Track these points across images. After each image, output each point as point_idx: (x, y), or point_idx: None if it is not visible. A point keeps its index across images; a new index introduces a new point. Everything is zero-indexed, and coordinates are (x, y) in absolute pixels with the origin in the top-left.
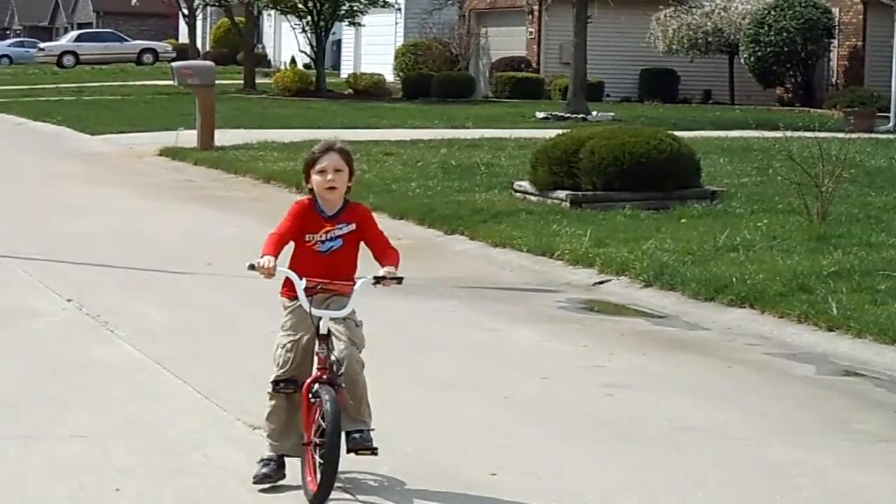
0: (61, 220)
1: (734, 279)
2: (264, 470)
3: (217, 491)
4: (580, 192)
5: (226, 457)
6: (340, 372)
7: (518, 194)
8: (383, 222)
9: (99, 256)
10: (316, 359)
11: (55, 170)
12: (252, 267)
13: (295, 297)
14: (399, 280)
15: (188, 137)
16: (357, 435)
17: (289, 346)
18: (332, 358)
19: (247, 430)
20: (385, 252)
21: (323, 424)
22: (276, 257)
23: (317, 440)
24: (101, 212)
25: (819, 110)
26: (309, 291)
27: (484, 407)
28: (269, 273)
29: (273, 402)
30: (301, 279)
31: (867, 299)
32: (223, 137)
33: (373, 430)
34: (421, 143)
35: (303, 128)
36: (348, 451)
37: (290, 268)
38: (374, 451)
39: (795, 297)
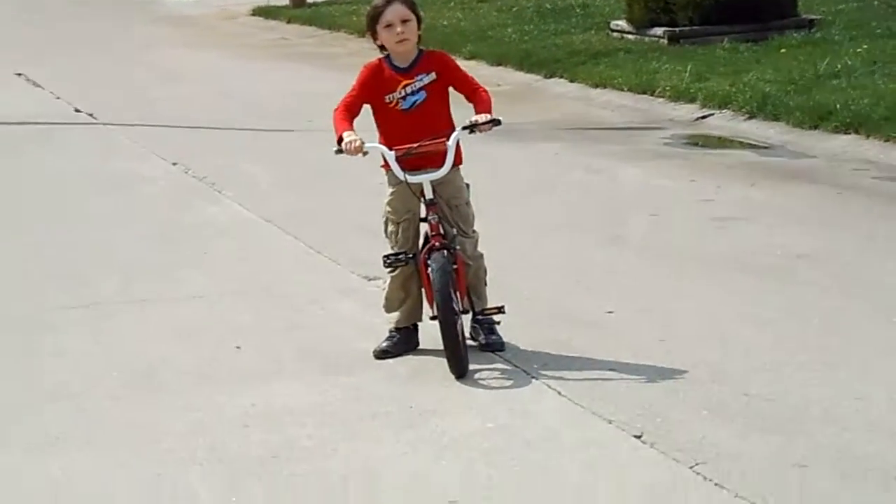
0: (159, 86)
1: (837, 106)
2: (384, 344)
3: (336, 343)
4: (677, 28)
5: (343, 309)
6: (454, 234)
7: (615, 34)
8: (481, 69)
9: (199, 119)
10: (427, 226)
11: (148, 35)
12: (339, 151)
13: (392, 170)
14: (496, 122)
15: None
16: (485, 328)
17: (394, 226)
18: (443, 225)
19: (362, 283)
20: (475, 93)
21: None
22: (352, 129)
23: (435, 313)
24: (197, 75)
25: None
26: (403, 160)
27: (595, 246)
28: (358, 151)
29: (389, 274)
30: (391, 150)
31: None
32: None
33: (498, 323)
34: None
35: None
36: (480, 347)
37: (381, 138)
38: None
39: None
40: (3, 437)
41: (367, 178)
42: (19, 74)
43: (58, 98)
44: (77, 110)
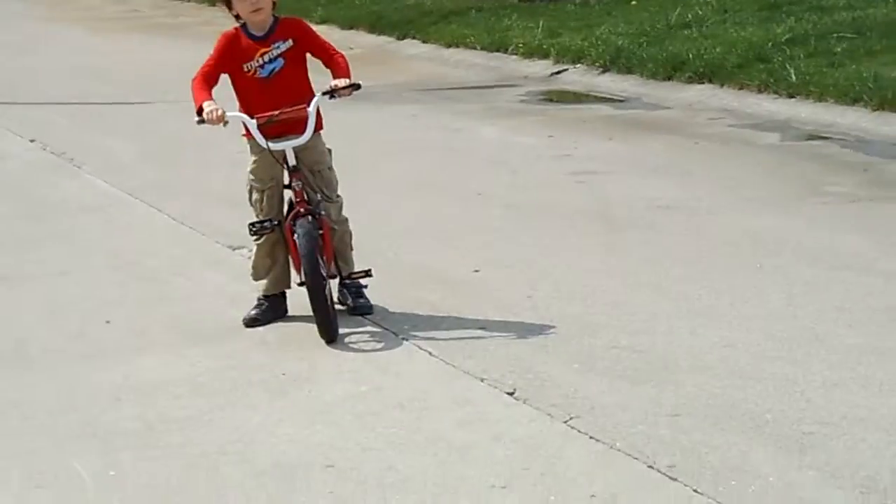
0: (12, 60)
1: (691, 56)
2: (253, 312)
3: (205, 313)
4: None
5: (210, 279)
6: (318, 199)
7: None
8: (333, 33)
9: (54, 94)
10: (292, 192)
11: None
12: (201, 121)
13: (254, 138)
14: (356, 86)
15: None
16: (352, 292)
17: (258, 194)
18: (307, 191)
19: (227, 252)
20: (332, 59)
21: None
22: (211, 98)
23: (302, 279)
24: (50, 50)
25: None
26: (265, 128)
27: (458, 205)
28: (220, 120)
29: (255, 242)
30: (252, 118)
31: (824, 63)
32: None
33: (366, 286)
34: None
35: None
36: (349, 311)
37: (241, 106)
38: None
39: (753, 67)
40: None
41: (227, 147)
42: None
43: None
44: None
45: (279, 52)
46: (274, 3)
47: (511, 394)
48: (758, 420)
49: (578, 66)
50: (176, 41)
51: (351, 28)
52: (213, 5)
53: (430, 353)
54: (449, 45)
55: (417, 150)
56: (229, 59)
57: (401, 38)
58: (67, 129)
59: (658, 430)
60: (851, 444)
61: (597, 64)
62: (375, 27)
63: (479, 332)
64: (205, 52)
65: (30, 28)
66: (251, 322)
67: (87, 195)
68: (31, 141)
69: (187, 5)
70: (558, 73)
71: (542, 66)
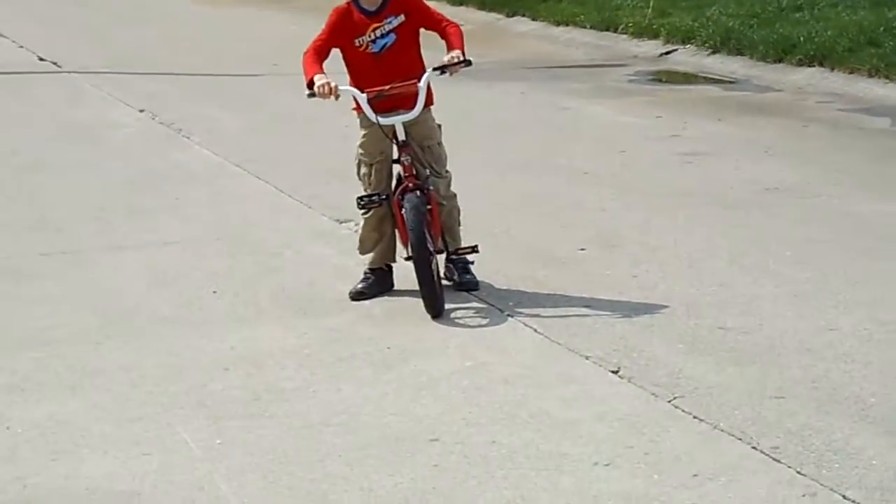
0: (122, 32)
1: (801, 38)
2: (360, 286)
3: (312, 286)
4: None
5: (316, 252)
6: (427, 174)
7: None
8: (443, 9)
9: (164, 65)
10: (400, 167)
11: None
12: (312, 95)
13: (364, 113)
14: (467, 62)
15: None
16: (459, 268)
17: (367, 168)
18: (416, 166)
19: (334, 225)
20: (446, 31)
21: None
22: (323, 72)
23: (409, 253)
24: (159, 21)
25: None
26: (375, 103)
27: (566, 184)
28: (331, 94)
29: (363, 216)
30: (363, 92)
31: None
32: None
33: (472, 262)
34: None
35: None
36: (455, 286)
37: (352, 81)
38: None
39: (864, 51)
40: None
41: (334, 121)
42: None
43: (21, 47)
44: (41, 59)
45: (391, 27)
46: None
47: (615, 372)
48: (862, 404)
49: (688, 46)
50: (287, 14)
51: (461, 4)
52: None
53: (535, 330)
54: (558, 23)
55: (526, 127)
56: (341, 33)
57: (510, 15)
58: (177, 100)
59: (762, 411)
60: None
61: (707, 45)
62: (485, 4)
63: (585, 311)
64: (315, 25)
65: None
66: (357, 295)
67: (195, 166)
68: (141, 111)
69: None
70: (668, 53)
71: (651, 46)
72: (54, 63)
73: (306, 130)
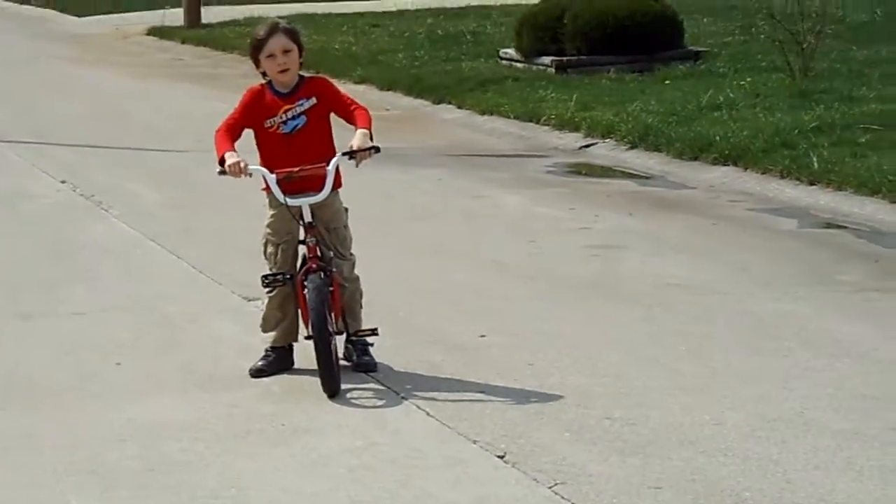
0: (51, 103)
1: (718, 138)
2: (260, 363)
3: (214, 361)
4: (565, 58)
5: (222, 328)
6: (331, 256)
7: (504, 62)
8: (371, 94)
9: (90, 138)
10: (305, 248)
11: (41, 52)
12: (223, 172)
13: (273, 193)
14: (375, 149)
15: (175, 16)
16: (358, 349)
17: (273, 247)
18: (321, 247)
19: (242, 303)
20: (354, 113)
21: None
22: (234, 149)
23: (310, 332)
24: (90, 93)
25: None
26: (283, 183)
27: (473, 271)
28: (241, 173)
29: (267, 294)
30: (272, 172)
31: (847, 152)
32: (210, 14)
33: (371, 344)
34: (407, 14)
35: (292, 1)
36: (353, 367)
37: (262, 161)
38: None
39: (778, 152)
40: None
41: (252, 199)
42: None
43: None
44: None
45: (302, 109)
46: (300, 64)
47: (501, 457)
48: (737, 498)
49: (608, 140)
50: (214, 91)
51: (389, 89)
52: None
53: (427, 413)
54: (483, 112)
55: (439, 214)
56: (253, 113)
57: (437, 102)
58: (99, 172)
59: (639, 500)
60: None
61: (626, 140)
62: (413, 90)
63: (478, 396)
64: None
65: (72, 71)
66: (257, 373)
67: (111, 238)
68: (63, 182)
69: (229, 56)
70: (587, 146)
71: (572, 139)
72: None
73: (224, 207)
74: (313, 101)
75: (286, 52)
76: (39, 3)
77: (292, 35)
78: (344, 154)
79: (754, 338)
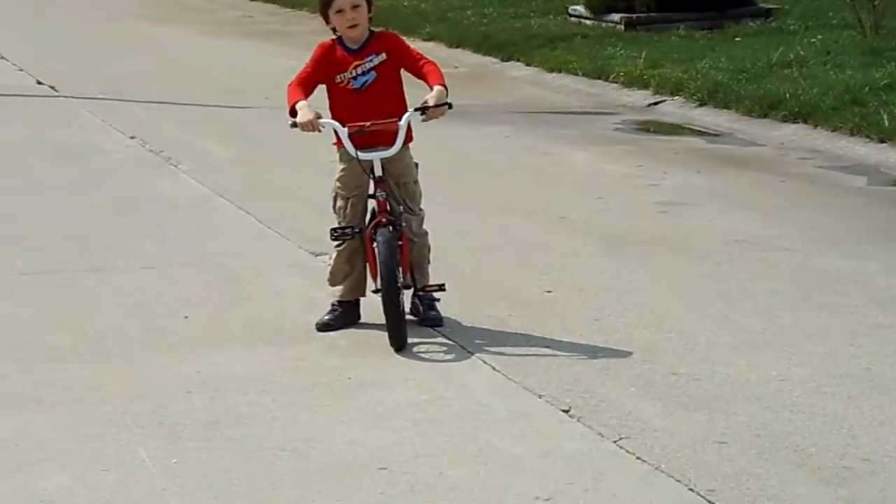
0: (121, 60)
1: (787, 95)
2: (327, 317)
3: (281, 315)
4: (634, 15)
5: (289, 283)
6: (401, 211)
7: (573, 19)
8: (439, 51)
9: (160, 94)
10: (375, 202)
11: (112, 9)
12: (294, 125)
13: (344, 147)
14: (448, 105)
15: None
16: (425, 304)
17: (343, 201)
18: (391, 202)
19: (309, 257)
20: (424, 68)
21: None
22: (305, 99)
23: (379, 286)
24: (160, 50)
25: None
26: (355, 138)
27: (539, 227)
28: (312, 127)
29: (336, 248)
30: (344, 126)
31: None
32: None
33: (438, 300)
34: None
35: None
36: (419, 322)
37: (333, 116)
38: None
39: (848, 110)
40: None
41: (320, 155)
42: None
43: (20, 70)
44: (39, 82)
45: (372, 65)
46: (370, 18)
47: (566, 411)
48: (802, 453)
49: (677, 97)
50: (283, 48)
51: (457, 47)
52: None
53: (493, 368)
54: (552, 70)
55: (506, 170)
56: (324, 68)
57: (505, 59)
58: (168, 128)
59: (704, 455)
60: (891, 481)
61: (695, 97)
62: (481, 47)
63: (544, 351)
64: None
65: (142, 27)
66: (324, 327)
67: (179, 193)
68: (132, 138)
69: (299, 14)
70: (656, 103)
71: (640, 96)
72: (52, 87)
73: (292, 163)
74: (383, 56)
75: (355, 7)
76: None
77: None
78: (416, 110)
79: (822, 294)
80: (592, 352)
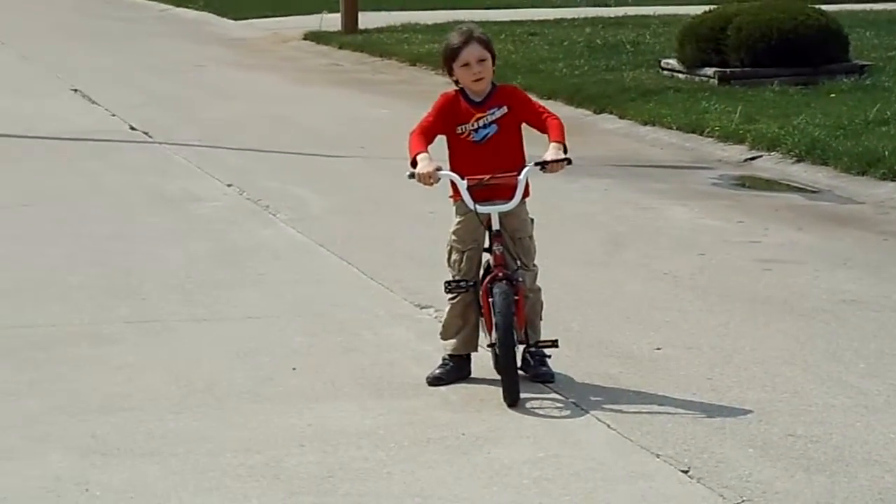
0: (214, 106)
1: (886, 153)
2: (437, 371)
3: (390, 368)
4: (728, 69)
5: (396, 335)
6: (516, 266)
7: (665, 72)
8: None
9: (254, 141)
10: (491, 257)
11: (202, 55)
12: (412, 175)
13: (462, 200)
14: (567, 161)
15: (332, 21)
16: (536, 360)
17: (458, 254)
18: (506, 256)
19: (414, 310)
20: (546, 122)
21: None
22: (427, 151)
23: (494, 340)
24: (251, 97)
25: None
26: (473, 191)
27: (644, 282)
28: (431, 179)
29: (449, 301)
30: (463, 179)
31: None
32: (366, 20)
33: (549, 357)
34: (564, 23)
35: (445, 8)
36: (530, 378)
37: (452, 167)
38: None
39: None
40: (66, 444)
41: (419, 207)
42: (75, 90)
43: (113, 115)
44: (132, 128)
45: (494, 118)
46: (493, 71)
47: (686, 472)
48: None
49: (773, 153)
50: (375, 97)
51: (549, 98)
52: (413, 65)
53: (608, 426)
54: (645, 123)
55: (607, 223)
56: (447, 119)
57: (598, 112)
58: (264, 176)
59: None
60: None
61: (792, 153)
62: (573, 99)
63: (658, 409)
64: (405, 109)
65: (233, 74)
66: (435, 381)
67: (279, 243)
68: (229, 185)
69: (388, 63)
70: (752, 159)
71: (736, 151)
72: (145, 133)
73: (391, 214)
74: (505, 109)
75: (481, 61)
76: (198, 6)
77: (486, 44)
78: (536, 164)
79: None
80: (707, 411)
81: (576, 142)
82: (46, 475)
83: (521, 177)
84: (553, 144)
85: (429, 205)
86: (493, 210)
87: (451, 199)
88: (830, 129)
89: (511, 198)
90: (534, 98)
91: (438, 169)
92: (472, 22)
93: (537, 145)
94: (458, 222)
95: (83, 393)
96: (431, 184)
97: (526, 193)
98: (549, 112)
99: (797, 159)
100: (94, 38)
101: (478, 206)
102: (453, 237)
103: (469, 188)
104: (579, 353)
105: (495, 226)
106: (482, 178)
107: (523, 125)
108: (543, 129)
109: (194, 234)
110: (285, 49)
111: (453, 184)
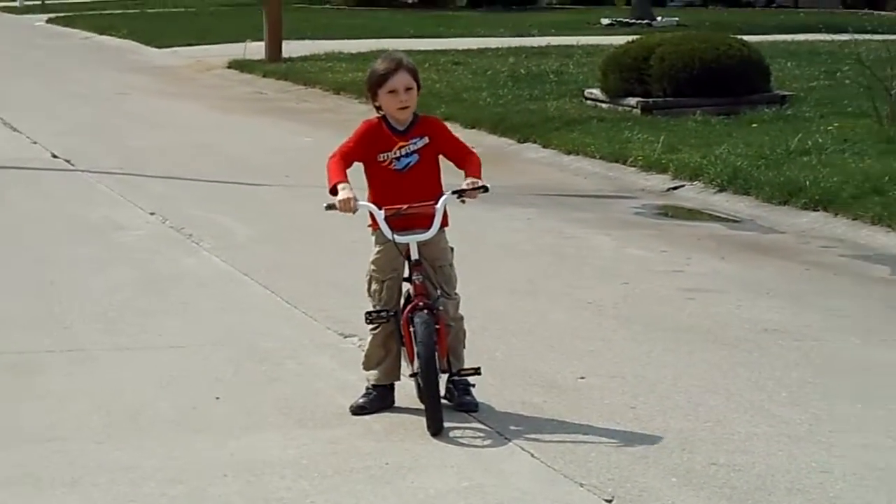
0: (137, 134)
1: (807, 182)
2: (361, 401)
3: (313, 398)
4: (651, 99)
5: (320, 364)
6: (437, 295)
7: (589, 101)
8: (455, 132)
9: (177, 170)
10: (411, 286)
11: (125, 83)
12: (330, 206)
13: (380, 230)
14: (484, 189)
15: (256, 49)
16: (460, 389)
17: (378, 284)
18: (427, 286)
19: (338, 339)
20: (465, 159)
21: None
22: (346, 180)
23: (416, 369)
24: (174, 125)
25: (884, 12)
26: (391, 220)
27: (568, 311)
28: (349, 209)
29: (371, 332)
30: (380, 209)
31: None
32: (290, 48)
33: (473, 385)
34: (489, 52)
35: (369, 37)
36: (454, 407)
37: (370, 195)
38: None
39: (868, 199)
40: None
41: (342, 235)
42: None
43: (35, 143)
44: (54, 156)
45: (416, 147)
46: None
47: (609, 501)
48: None
49: (695, 182)
50: (298, 125)
51: (473, 128)
52: (337, 93)
53: (532, 455)
54: (569, 152)
55: (531, 253)
56: (368, 146)
57: (522, 141)
58: (188, 204)
59: None
60: None
61: (714, 182)
62: (497, 128)
63: (582, 438)
64: (329, 138)
65: (156, 103)
66: (358, 410)
67: (204, 271)
68: (152, 214)
69: (311, 92)
70: (675, 188)
71: (659, 181)
72: (67, 161)
73: (315, 243)
74: (426, 140)
75: (408, 89)
76: (121, 34)
77: (414, 73)
78: (453, 193)
79: (855, 385)
80: (630, 440)
81: (499, 171)
82: None
83: (439, 206)
84: (469, 180)
85: (353, 233)
86: (412, 239)
87: (370, 229)
88: (752, 158)
89: (429, 227)
90: (457, 127)
91: (356, 199)
92: (398, 50)
93: (455, 177)
94: (377, 252)
95: (5, 423)
96: (350, 211)
97: (445, 223)
98: (469, 149)
99: (719, 189)
100: (16, 65)
101: (396, 236)
102: (372, 267)
103: (387, 218)
104: (503, 382)
105: (414, 255)
106: (400, 208)
107: (441, 157)
108: (462, 165)
109: (117, 262)
110: (209, 77)
111: (371, 214)
